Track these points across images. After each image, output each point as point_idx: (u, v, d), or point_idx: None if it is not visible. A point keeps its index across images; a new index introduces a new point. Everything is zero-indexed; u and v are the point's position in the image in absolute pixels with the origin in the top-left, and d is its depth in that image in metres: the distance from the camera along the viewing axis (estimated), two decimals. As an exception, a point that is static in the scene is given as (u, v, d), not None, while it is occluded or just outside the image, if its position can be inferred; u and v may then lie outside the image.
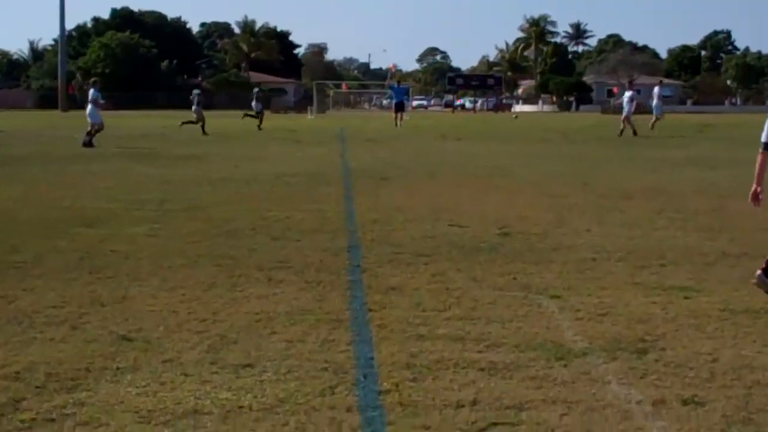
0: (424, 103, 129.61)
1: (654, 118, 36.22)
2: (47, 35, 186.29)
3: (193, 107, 34.65)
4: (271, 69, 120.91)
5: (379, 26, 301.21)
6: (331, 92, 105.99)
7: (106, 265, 8.22)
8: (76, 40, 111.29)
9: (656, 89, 38.00)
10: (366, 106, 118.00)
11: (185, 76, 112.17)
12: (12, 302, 6.80)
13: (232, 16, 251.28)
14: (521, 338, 5.89)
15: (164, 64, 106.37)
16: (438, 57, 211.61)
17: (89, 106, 27.46)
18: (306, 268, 8.13)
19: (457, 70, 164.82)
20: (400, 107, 47.17)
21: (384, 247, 9.16)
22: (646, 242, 9.66)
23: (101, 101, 28.00)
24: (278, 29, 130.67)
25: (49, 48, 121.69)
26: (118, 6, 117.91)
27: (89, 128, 26.79)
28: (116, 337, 5.85)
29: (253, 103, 41.68)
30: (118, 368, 5.19)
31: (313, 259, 8.51)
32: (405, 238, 9.80)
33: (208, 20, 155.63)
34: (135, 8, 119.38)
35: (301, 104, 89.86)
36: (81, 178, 16.64)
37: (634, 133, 32.04)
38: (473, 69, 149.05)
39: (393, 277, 7.78)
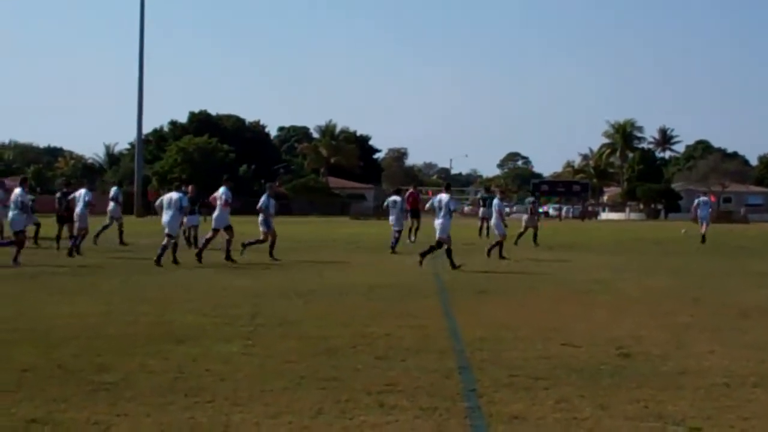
0: (506, 209, 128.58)
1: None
2: (123, 139, 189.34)
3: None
4: (350, 174, 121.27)
5: (460, 131, 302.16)
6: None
7: (203, 387, 7.68)
8: (153, 144, 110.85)
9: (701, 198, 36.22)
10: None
11: (263, 181, 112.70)
12: (106, 429, 6.31)
13: (311, 121, 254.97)
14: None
15: (243, 168, 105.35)
16: (519, 162, 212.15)
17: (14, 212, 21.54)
18: (417, 391, 7.54)
19: (539, 175, 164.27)
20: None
21: (497, 369, 8.53)
22: (779, 366, 8.91)
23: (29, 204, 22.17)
24: (358, 134, 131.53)
25: (125, 152, 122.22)
26: (196, 110, 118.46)
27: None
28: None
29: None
30: None
31: (424, 382, 7.92)
32: (518, 359, 9.15)
33: (287, 124, 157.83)
34: (213, 112, 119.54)
35: (381, 210, 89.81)
36: (163, 289, 15.96)
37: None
38: (557, 175, 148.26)
39: (513, 403, 7.16)
